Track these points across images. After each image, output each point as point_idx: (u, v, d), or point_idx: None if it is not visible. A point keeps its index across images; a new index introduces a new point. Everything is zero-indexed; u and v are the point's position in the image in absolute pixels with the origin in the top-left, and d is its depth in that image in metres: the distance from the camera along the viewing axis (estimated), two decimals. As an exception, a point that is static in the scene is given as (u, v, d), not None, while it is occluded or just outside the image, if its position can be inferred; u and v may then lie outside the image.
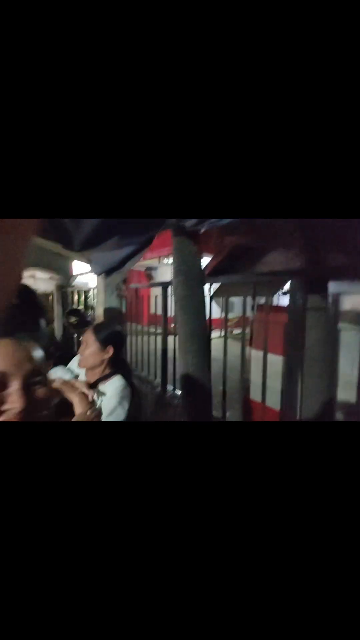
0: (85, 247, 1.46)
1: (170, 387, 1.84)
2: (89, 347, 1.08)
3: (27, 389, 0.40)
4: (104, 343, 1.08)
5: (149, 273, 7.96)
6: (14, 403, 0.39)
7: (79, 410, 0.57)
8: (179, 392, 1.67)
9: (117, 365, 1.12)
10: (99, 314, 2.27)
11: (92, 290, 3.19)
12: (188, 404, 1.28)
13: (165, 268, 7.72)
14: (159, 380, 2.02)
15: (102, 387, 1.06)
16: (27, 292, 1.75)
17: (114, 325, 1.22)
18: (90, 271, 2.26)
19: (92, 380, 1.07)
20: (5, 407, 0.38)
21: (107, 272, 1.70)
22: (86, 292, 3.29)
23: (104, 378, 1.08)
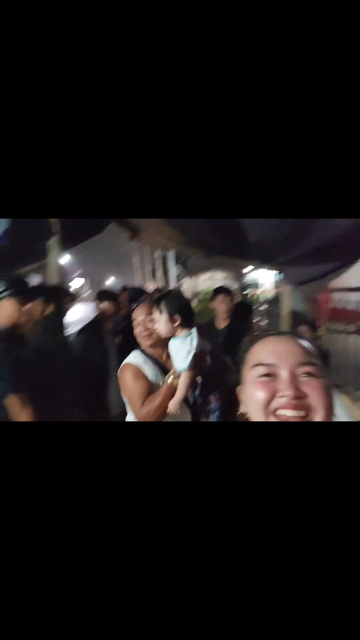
0: (285, 265, 1.62)
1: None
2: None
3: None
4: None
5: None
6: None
7: None
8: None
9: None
10: (283, 316, 2.42)
11: (273, 292, 3.35)
12: None
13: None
14: None
15: None
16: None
17: None
18: (281, 280, 2.39)
19: None
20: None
21: (302, 282, 1.80)
22: (268, 299, 3.44)
23: None
